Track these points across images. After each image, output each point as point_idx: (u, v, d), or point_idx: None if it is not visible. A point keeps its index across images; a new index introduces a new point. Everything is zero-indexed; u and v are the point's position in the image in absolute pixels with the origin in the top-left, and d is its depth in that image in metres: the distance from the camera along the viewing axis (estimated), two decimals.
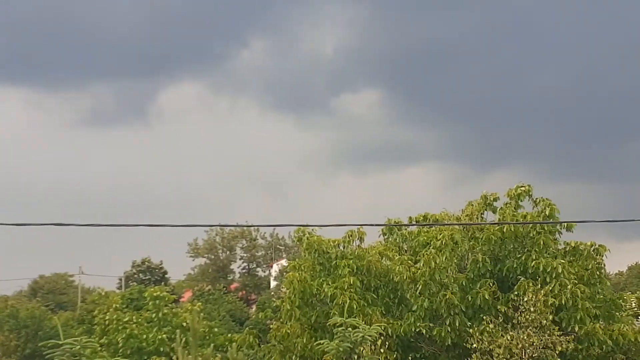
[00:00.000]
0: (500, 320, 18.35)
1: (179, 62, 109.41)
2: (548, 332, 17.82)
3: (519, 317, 18.05)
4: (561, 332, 18.04)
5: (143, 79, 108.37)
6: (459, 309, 18.68)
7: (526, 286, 18.28)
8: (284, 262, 58.16)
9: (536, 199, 20.37)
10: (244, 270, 71.84)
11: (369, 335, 10.22)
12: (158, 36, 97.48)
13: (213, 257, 70.47)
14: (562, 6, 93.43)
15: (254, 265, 72.02)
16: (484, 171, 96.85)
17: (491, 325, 18.11)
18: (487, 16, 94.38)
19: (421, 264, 19.03)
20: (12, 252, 78.35)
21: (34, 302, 58.18)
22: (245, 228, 69.45)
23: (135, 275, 64.34)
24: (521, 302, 18.18)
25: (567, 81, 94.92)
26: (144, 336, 27.91)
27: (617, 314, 20.05)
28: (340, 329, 10.51)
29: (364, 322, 11.55)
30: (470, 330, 18.24)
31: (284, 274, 36.42)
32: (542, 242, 19.21)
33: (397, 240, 22.17)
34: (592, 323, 18.47)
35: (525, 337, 17.65)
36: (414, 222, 22.04)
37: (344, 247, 20.75)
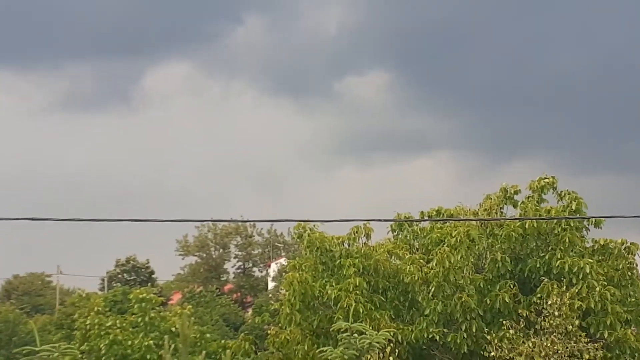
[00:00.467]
0: (522, 325, 18.40)
1: (166, 40, 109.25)
2: (574, 338, 17.86)
3: (542, 322, 18.11)
4: (589, 339, 18.09)
5: (126, 59, 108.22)
6: (476, 313, 18.74)
7: (550, 288, 18.31)
8: (282, 261, 58.37)
9: (561, 192, 20.40)
10: (238, 270, 72.14)
11: (377, 342, 10.22)
12: (142, 10, 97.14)
13: (205, 255, 70.61)
14: None
15: (250, 265, 72.26)
16: (502, 161, 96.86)
17: (511, 331, 18.15)
18: None
19: (434, 264, 19.08)
20: None
21: (7, 305, 58.42)
22: (240, 223, 69.32)
23: (119, 276, 64.64)
24: (544, 306, 18.23)
25: (593, 63, 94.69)
26: (129, 342, 27.93)
27: None
28: (345, 335, 10.50)
29: (371, 328, 11.55)
30: (489, 337, 18.30)
31: (283, 274, 36.53)
32: (567, 240, 19.24)
33: (408, 238, 22.23)
34: (623, 329, 18.51)
35: (549, 344, 17.68)
36: (426, 218, 22.10)
37: (348, 245, 20.80)
